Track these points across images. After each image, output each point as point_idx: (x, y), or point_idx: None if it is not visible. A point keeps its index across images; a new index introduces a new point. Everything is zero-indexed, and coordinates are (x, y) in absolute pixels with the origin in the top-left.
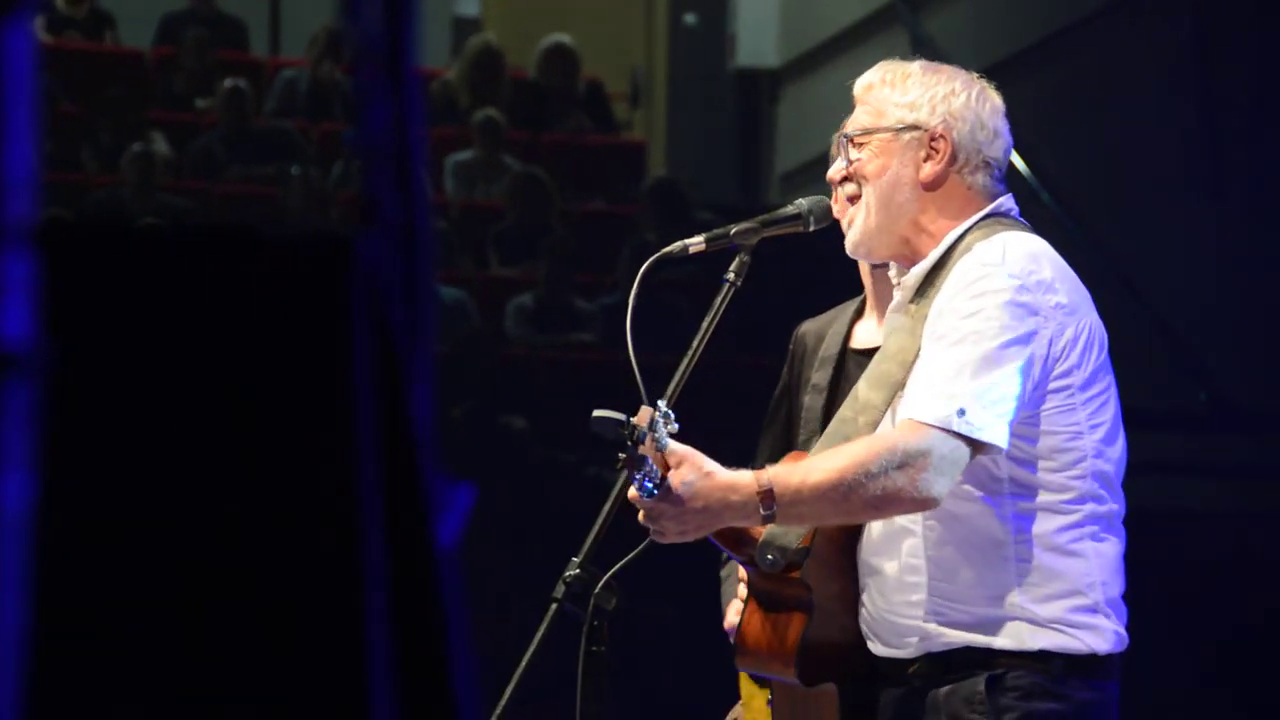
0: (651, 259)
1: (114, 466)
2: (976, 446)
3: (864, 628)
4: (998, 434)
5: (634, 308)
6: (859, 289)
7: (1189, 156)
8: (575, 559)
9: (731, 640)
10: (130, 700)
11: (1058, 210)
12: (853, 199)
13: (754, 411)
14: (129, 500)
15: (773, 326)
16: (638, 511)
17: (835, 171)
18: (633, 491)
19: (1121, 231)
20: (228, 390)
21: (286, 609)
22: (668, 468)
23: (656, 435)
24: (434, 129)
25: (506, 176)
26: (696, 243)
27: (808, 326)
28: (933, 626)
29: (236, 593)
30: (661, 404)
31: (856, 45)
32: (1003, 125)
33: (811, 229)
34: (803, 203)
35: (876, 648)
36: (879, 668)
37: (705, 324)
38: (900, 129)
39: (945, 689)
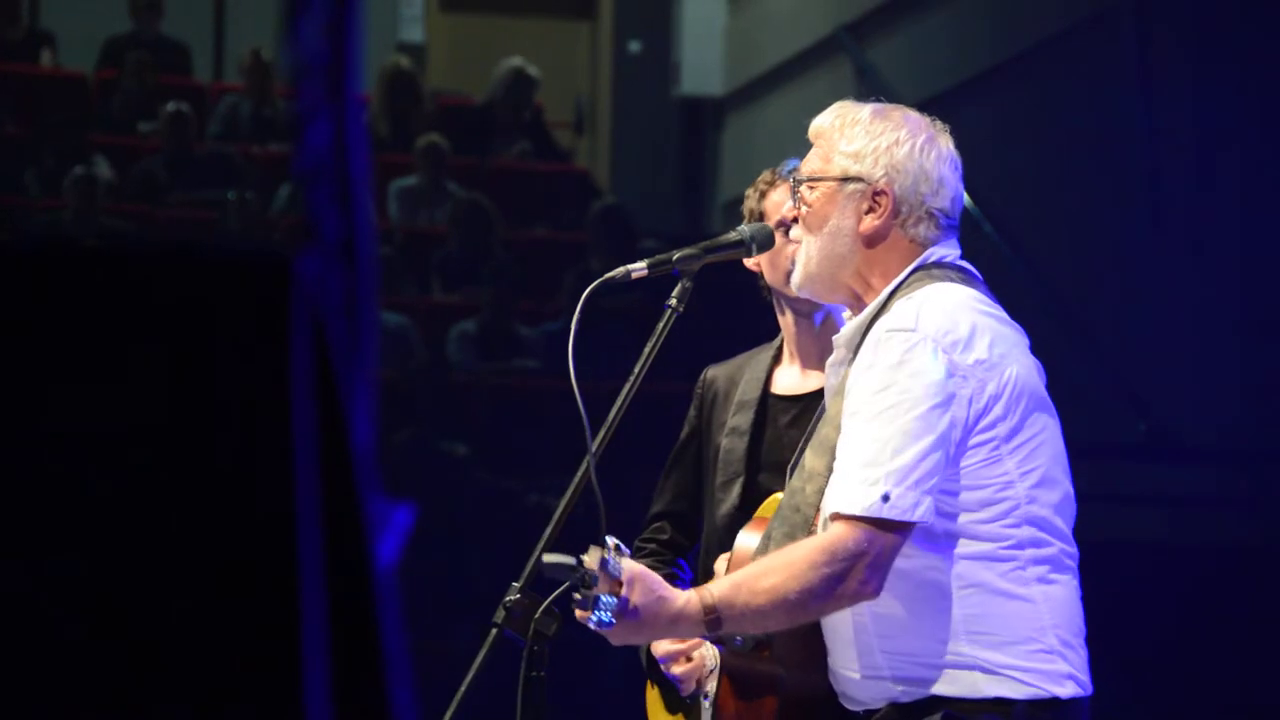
0: (594, 284)
1: (49, 482)
2: (908, 527)
3: (833, 684)
4: (924, 510)
5: (576, 333)
6: (768, 330)
7: (1129, 187)
8: (516, 584)
9: (666, 669)
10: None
11: (999, 241)
12: (798, 239)
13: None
14: (60, 517)
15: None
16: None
17: (788, 210)
18: (590, 621)
19: (1062, 262)
20: (165, 407)
21: (223, 628)
22: (618, 583)
23: (609, 570)
24: (378, 154)
25: (450, 202)
26: (639, 268)
27: (716, 371)
28: (888, 683)
29: (171, 609)
30: (610, 540)
31: (800, 74)
32: (950, 173)
33: (754, 255)
34: (745, 229)
35: (845, 703)
36: (846, 718)
37: (647, 350)
38: (844, 179)
39: None
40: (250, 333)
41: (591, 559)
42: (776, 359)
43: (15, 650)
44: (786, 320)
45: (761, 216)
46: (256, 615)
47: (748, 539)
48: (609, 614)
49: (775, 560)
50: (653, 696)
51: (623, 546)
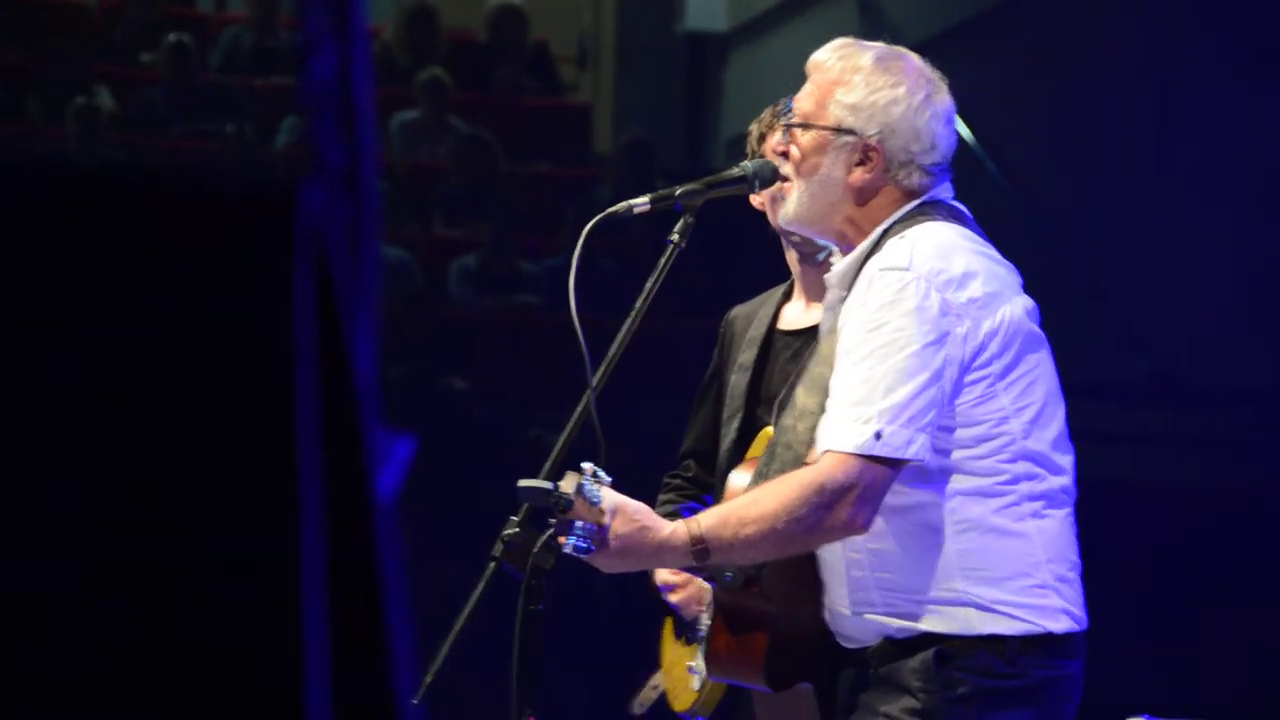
0: (596, 219)
1: (49, 404)
2: (900, 463)
3: (828, 622)
4: (917, 448)
5: (578, 268)
6: (785, 269)
7: (1136, 129)
8: (514, 518)
9: (665, 599)
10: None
11: (1002, 180)
12: (787, 179)
13: (693, 373)
14: (63, 443)
15: (708, 296)
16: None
17: (777, 143)
18: (566, 546)
19: (1067, 202)
20: (167, 335)
21: (224, 557)
22: (603, 514)
23: (586, 496)
24: (379, 88)
25: (451, 137)
26: (641, 203)
27: (738, 311)
28: (883, 618)
29: (172, 538)
30: (587, 466)
31: (805, 10)
32: (944, 129)
33: (756, 192)
34: (748, 165)
35: (840, 640)
36: (841, 655)
37: (649, 286)
38: (837, 130)
39: (895, 664)
40: (253, 262)
41: (567, 484)
42: (787, 295)
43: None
44: (791, 257)
45: (754, 152)
46: (257, 549)
47: (739, 478)
48: (585, 540)
49: (764, 491)
50: (667, 626)
51: (600, 473)
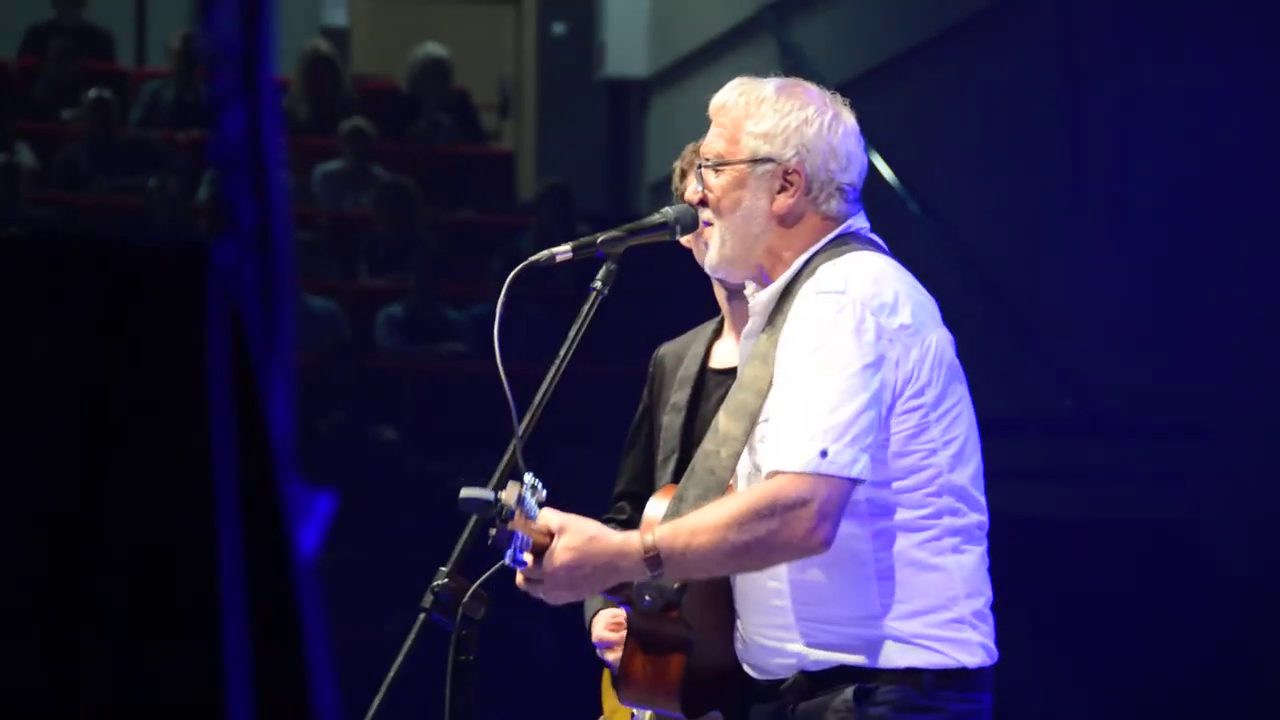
0: (519, 267)
1: None
2: (850, 483)
3: (738, 651)
4: (860, 468)
5: (501, 316)
6: (715, 305)
7: (1051, 161)
8: (443, 568)
9: (601, 655)
10: None
11: (923, 217)
12: (709, 222)
13: (619, 420)
14: None
15: (633, 337)
16: (519, 484)
17: (692, 193)
18: (520, 577)
19: (988, 238)
20: (83, 397)
21: (142, 617)
22: (549, 535)
23: (525, 508)
24: (304, 138)
25: (375, 186)
26: (563, 251)
27: (667, 349)
28: (801, 648)
29: (91, 602)
30: (528, 476)
31: (726, 54)
32: (856, 148)
33: (678, 237)
34: (669, 211)
35: (750, 671)
36: (753, 690)
37: (573, 333)
38: (754, 160)
39: (813, 701)
40: (167, 321)
41: (508, 495)
42: (718, 333)
43: None
44: (720, 294)
45: (680, 194)
46: (177, 607)
47: (657, 506)
48: (523, 552)
49: (717, 505)
50: (606, 676)
51: (539, 485)
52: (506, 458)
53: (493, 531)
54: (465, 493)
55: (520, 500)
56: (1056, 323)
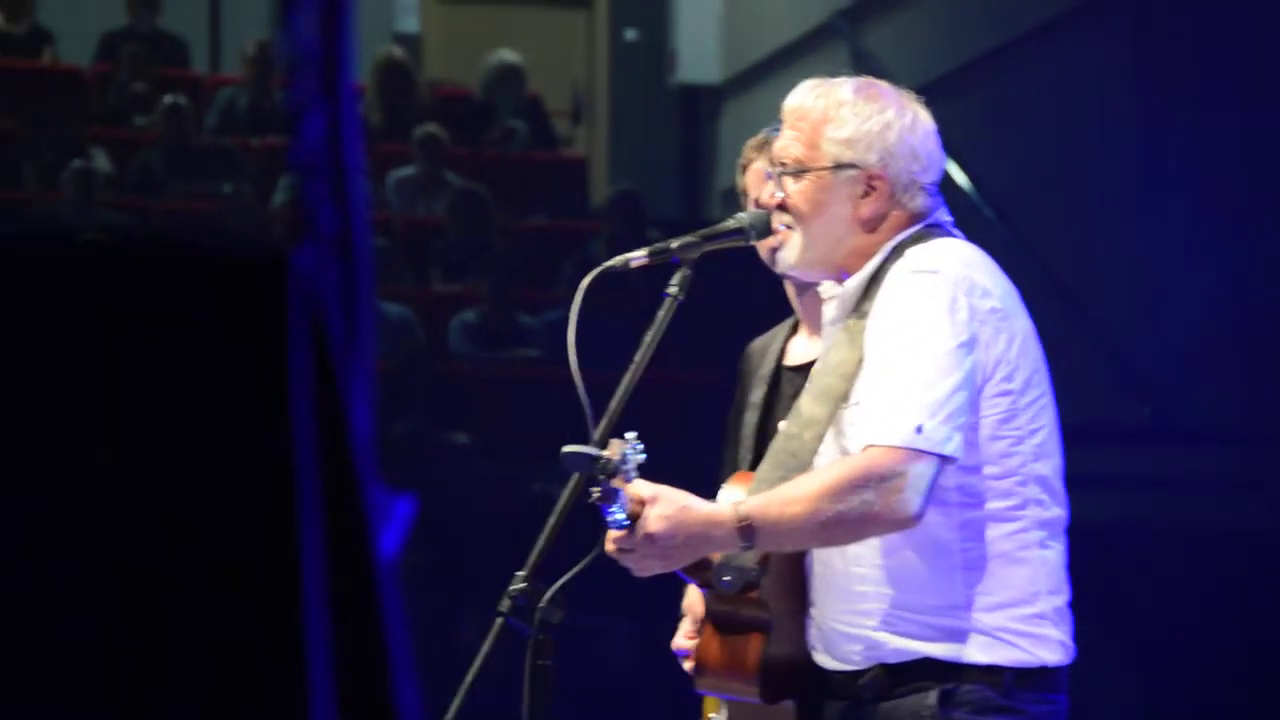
0: (593, 273)
1: (52, 478)
2: (943, 460)
3: (811, 640)
4: (954, 446)
5: (576, 322)
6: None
7: (1128, 168)
8: (520, 573)
9: (682, 661)
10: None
11: (999, 223)
12: (788, 226)
13: (696, 426)
14: (67, 511)
15: (717, 342)
16: (583, 526)
17: (768, 198)
18: (611, 535)
19: (1063, 245)
20: (164, 405)
21: (226, 622)
22: (640, 503)
23: (626, 469)
24: (377, 145)
25: (448, 193)
26: (639, 256)
27: (755, 344)
28: (882, 636)
29: (174, 604)
30: (629, 435)
31: (797, 60)
32: (935, 147)
33: (753, 242)
34: (744, 216)
35: (824, 661)
36: (827, 681)
37: (648, 339)
38: (836, 166)
39: (892, 702)
40: (247, 328)
41: (612, 450)
42: (793, 330)
43: (20, 651)
44: (791, 292)
45: (745, 191)
46: (259, 612)
47: (730, 493)
48: (624, 512)
49: (809, 476)
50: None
51: (639, 447)
52: (605, 420)
53: (594, 490)
54: (568, 449)
55: (624, 457)
56: (1134, 328)
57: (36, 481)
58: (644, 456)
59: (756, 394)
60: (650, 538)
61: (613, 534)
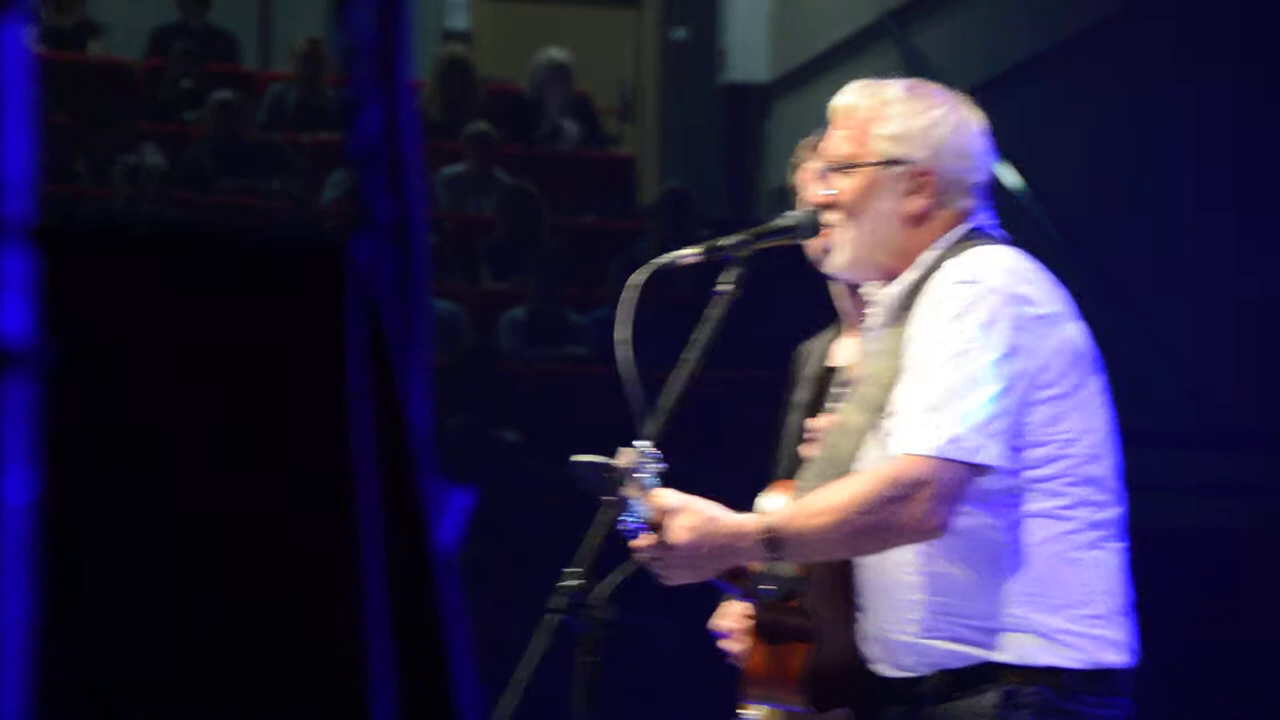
0: (644, 270)
1: (107, 469)
2: (974, 469)
3: (867, 650)
4: (991, 454)
5: (626, 319)
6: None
7: (1180, 170)
8: (571, 570)
9: (720, 642)
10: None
11: (1049, 225)
12: (836, 224)
13: (745, 424)
14: (124, 500)
15: (766, 341)
16: (632, 451)
17: (817, 196)
18: (638, 542)
19: (1114, 247)
20: (221, 395)
21: (285, 616)
22: (663, 513)
23: (640, 477)
24: (426, 142)
25: (497, 190)
26: (689, 255)
27: (806, 347)
28: (940, 643)
29: (233, 598)
30: (642, 444)
31: (847, 60)
32: (983, 146)
33: (803, 241)
34: (794, 215)
35: (884, 669)
36: (886, 688)
37: (699, 336)
38: (885, 162)
39: (951, 704)
40: (305, 318)
41: (622, 460)
42: (838, 332)
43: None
44: (837, 294)
45: (797, 191)
46: (318, 606)
47: (770, 502)
48: (638, 518)
49: (836, 485)
50: None
51: (656, 456)
52: (658, 418)
53: (605, 499)
54: (576, 459)
55: (633, 468)
56: (1184, 332)
57: (88, 470)
58: (664, 465)
59: (800, 395)
60: (674, 548)
61: (632, 543)
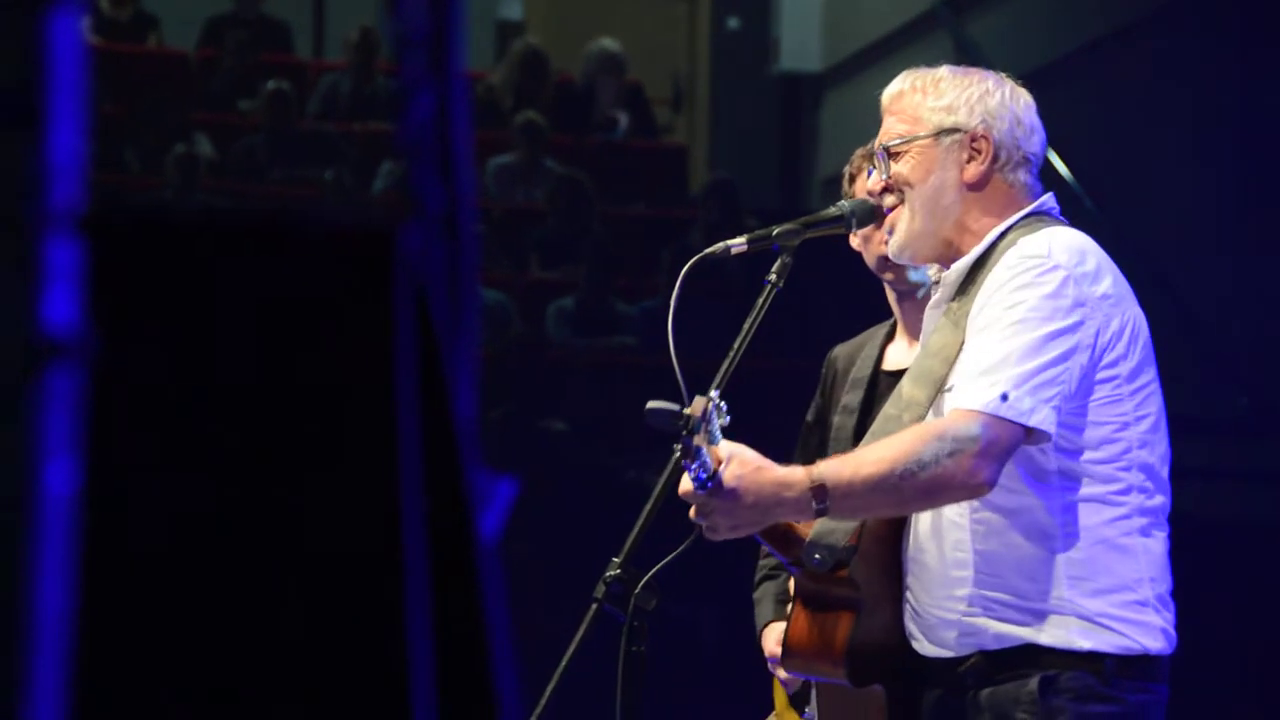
0: (693, 259)
1: (155, 456)
2: (1025, 432)
3: (909, 626)
4: (1043, 418)
5: (676, 308)
6: (888, 310)
7: (1231, 160)
8: (615, 559)
9: (773, 670)
10: (171, 683)
11: (1100, 215)
12: (893, 208)
13: (788, 414)
14: (170, 489)
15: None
16: (678, 513)
17: (873, 183)
18: (685, 484)
19: (1163, 236)
20: (269, 380)
21: (327, 602)
22: (719, 462)
23: (710, 427)
24: (476, 131)
25: (547, 179)
26: (739, 244)
27: (840, 350)
28: (981, 622)
29: (275, 588)
30: (714, 394)
31: (899, 50)
32: (1037, 120)
33: (854, 230)
34: (845, 204)
35: (923, 647)
36: (925, 668)
37: (747, 326)
38: (940, 133)
39: (992, 688)
40: (354, 305)
41: (695, 408)
42: (890, 335)
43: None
44: (891, 297)
45: (851, 197)
46: (360, 592)
47: None
48: (706, 472)
49: (886, 439)
50: (777, 684)
51: (724, 407)
52: (718, 380)
53: (677, 446)
54: (652, 404)
55: (706, 414)
56: (1231, 321)
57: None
58: (728, 419)
59: (850, 397)
60: (720, 498)
61: (685, 489)
